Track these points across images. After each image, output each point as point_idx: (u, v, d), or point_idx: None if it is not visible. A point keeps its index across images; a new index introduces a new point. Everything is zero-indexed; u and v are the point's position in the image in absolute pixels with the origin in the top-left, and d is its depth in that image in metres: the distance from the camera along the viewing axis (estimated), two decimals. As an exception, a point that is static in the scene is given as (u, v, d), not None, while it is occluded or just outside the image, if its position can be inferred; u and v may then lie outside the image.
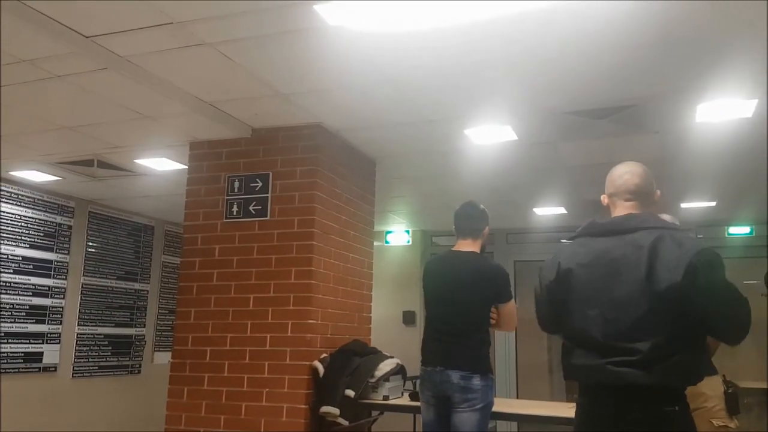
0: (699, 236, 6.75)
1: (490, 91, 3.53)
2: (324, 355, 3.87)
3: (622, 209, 2.10)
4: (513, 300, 3.18)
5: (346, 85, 3.44)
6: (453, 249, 3.28)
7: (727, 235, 6.86)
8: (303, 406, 3.71)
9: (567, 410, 3.36)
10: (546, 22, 2.74)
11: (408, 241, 7.62)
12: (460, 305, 3.09)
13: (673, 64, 3.15)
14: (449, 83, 3.40)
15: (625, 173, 2.11)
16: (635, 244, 1.94)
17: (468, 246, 3.21)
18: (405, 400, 3.96)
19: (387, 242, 7.72)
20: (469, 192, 5.82)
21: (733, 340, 1.94)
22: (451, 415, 3.02)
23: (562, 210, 6.54)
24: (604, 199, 2.17)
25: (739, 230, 6.82)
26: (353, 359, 3.89)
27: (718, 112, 3.73)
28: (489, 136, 4.26)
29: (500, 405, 4.50)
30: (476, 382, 2.97)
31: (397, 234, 7.72)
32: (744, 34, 2.82)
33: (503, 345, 7.52)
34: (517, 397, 7.18)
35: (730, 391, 2.97)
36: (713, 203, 6.02)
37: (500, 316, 3.15)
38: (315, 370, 3.78)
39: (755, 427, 7.18)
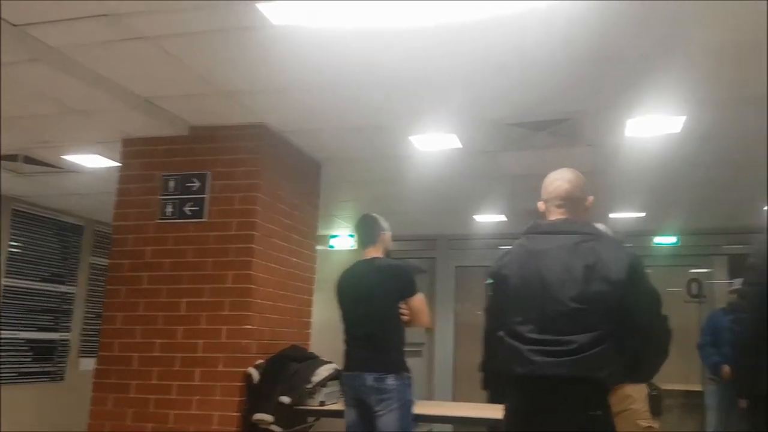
0: (627, 245, 7.03)
1: (435, 100, 3.56)
2: (260, 361, 3.80)
3: (554, 215, 2.18)
4: (420, 294, 3.28)
5: (290, 86, 3.39)
6: (361, 259, 3.43)
7: (653, 245, 7.18)
8: (235, 414, 3.62)
9: (496, 411, 3.41)
10: (490, 35, 2.79)
11: (352, 246, 7.57)
12: (367, 308, 3.23)
13: (606, 81, 3.27)
14: (395, 90, 3.40)
15: (557, 180, 2.20)
16: (574, 245, 2.03)
17: (371, 253, 3.37)
18: (342, 406, 3.92)
19: (331, 246, 7.66)
20: (414, 198, 5.90)
21: (654, 344, 2.01)
22: (373, 420, 3.11)
23: (502, 218, 6.68)
24: (541, 205, 2.24)
25: (665, 240, 7.15)
26: (290, 365, 3.82)
27: (648, 127, 3.90)
28: (434, 144, 4.30)
29: (435, 408, 4.56)
30: (390, 382, 3.07)
31: (342, 238, 7.67)
32: (673, 53, 2.95)
33: (441, 347, 7.60)
34: (453, 400, 7.26)
35: (653, 393, 3.09)
36: (642, 214, 6.29)
37: (411, 311, 3.23)
38: (249, 376, 3.71)
39: (676, 427, 7.56)
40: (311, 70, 3.16)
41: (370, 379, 3.09)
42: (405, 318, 3.22)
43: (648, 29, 2.74)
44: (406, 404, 3.13)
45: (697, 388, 6.86)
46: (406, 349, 5.37)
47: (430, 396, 7.33)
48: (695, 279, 6.98)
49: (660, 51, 2.93)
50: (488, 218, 6.74)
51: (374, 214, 3.51)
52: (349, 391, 3.25)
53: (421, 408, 4.13)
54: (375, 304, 3.22)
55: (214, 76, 3.29)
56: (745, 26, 2.68)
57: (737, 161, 4.60)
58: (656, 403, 3.12)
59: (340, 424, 5.90)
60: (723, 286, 6.53)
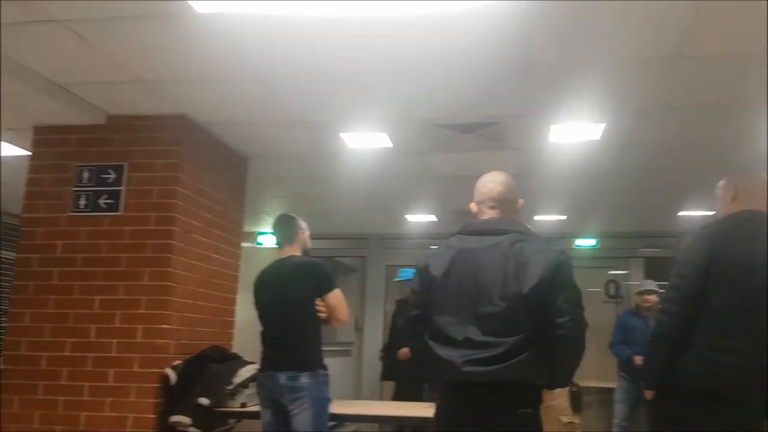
0: (552, 248, 7.27)
1: (366, 97, 3.55)
2: (177, 362, 3.68)
3: (487, 216, 2.24)
4: (337, 290, 3.22)
5: (215, 77, 3.29)
6: (278, 258, 3.38)
7: (574, 247, 7.45)
8: (151, 416, 3.50)
9: (424, 410, 3.44)
10: (419, 36, 2.80)
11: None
12: (282, 307, 3.18)
13: (530, 87, 3.36)
14: (325, 85, 3.37)
15: (490, 182, 2.26)
16: (503, 245, 2.08)
17: (288, 252, 3.33)
18: (263, 407, 3.85)
19: (259, 243, 7.51)
20: (345, 196, 5.88)
21: (573, 336, 2.02)
22: (288, 420, 3.06)
23: (432, 218, 6.75)
24: (474, 206, 2.29)
25: (586, 242, 7.44)
26: (210, 366, 3.73)
27: (570, 133, 4.03)
28: (365, 142, 4.28)
29: (361, 407, 4.56)
30: (303, 380, 3.02)
31: (270, 236, 7.51)
32: (593, 62, 3.06)
33: (371, 346, 7.60)
34: (380, 399, 7.28)
35: (574, 390, 3.19)
36: (564, 217, 6.52)
37: (328, 308, 3.18)
38: (166, 377, 3.59)
39: (594, 423, 7.87)
40: (237, 61, 3.07)
41: (282, 378, 3.04)
42: (322, 315, 3.17)
43: (569, 39, 2.82)
44: (321, 402, 3.08)
45: (612, 385, 7.16)
46: (336, 348, 5.34)
47: (358, 395, 7.32)
48: (613, 280, 7.29)
49: (581, 60, 3.03)
50: (419, 218, 6.80)
51: (291, 214, 3.47)
52: (263, 392, 3.18)
53: (348, 407, 4.14)
54: (289, 302, 3.17)
55: (133, 64, 3.16)
56: (663, 39, 2.81)
57: (653, 169, 4.83)
58: (576, 399, 3.22)
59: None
60: (638, 287, 6.86)
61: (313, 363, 3.09)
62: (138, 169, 3.75)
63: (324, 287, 3.19)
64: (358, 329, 7.84)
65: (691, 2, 2.50)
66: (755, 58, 2.94)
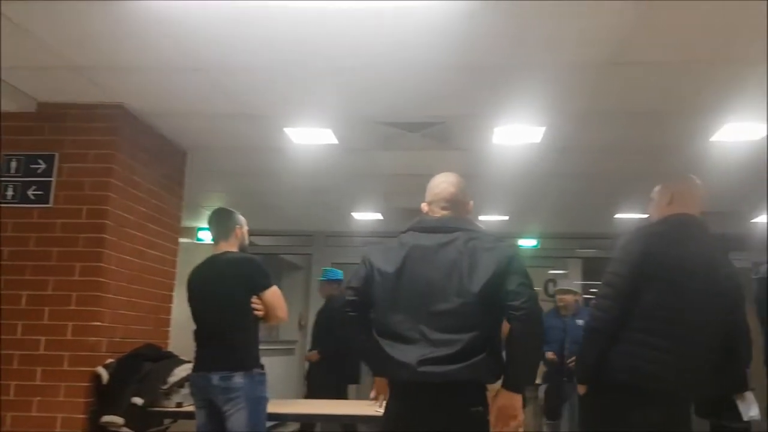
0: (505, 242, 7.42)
1: (310, 93, 3.51)
2: (110, 360, 3.57)
3: (438, 215, 2.23)
4: (274, 287, 3.11)
5: (154, 66, 3.19)
6: (213, 254, 3.24)
7: (517, 247, 7.62)
8: (81, 416, 3.39)
9: (367, 408, 3.42)
10: (366, 32, 2.79)
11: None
12: (216, 305, 3.07)
13: (474, 88, 3.41)
14: (269, 79, 3.32)
15: (442, 183, 2.27)
16: (457, 243, 2.08)
17: (224, 248, 3.20)
18: (200, 407, 3.76)
19: (199, 239, 7.35)
20: (290, 192, 5.81)
21: (530, 317, 1.99)
22: (223, 421, 2.97)
23: (378, 216, 6.76)
24: (425, 206, 2.29)
25: (527, 243, 7.61)
26: (144, 365, 3.63)
27: (511, 136, 4.12)
28: (309, 138, 4.24)
29: (301, 406, 4.52)
30: (237, 380, 2.93)
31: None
32: (534, 67, 3.13)
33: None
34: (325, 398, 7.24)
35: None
36: (506, 217, 6.65)
37: (265, 306, 3.07)
38: (98, 376, 3.49)
39: (529, 420, 8.08)
40: (178, 50, 2.99)
41: (215, 378, 2.93)
42: (258, 313, 3.06)
43: (511, 42, 2.88)
44: (257, 402, 2.98)
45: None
46: (278, 347, 5.24)
47: (300, 394, 7.26)
48: (552, 279, 7.49)
49: (522, 63, 3.10)
50: (365, 216, 6.80)
51: (229, 208, 3.35)
52: (196, 392, 3.08)
53: (290, 407, 4.10)
54: (222, 300, 3.05)
55: (66, 50, 3.02)
56: (601, 46, 2.89)
57: (591, 173, 4.99)
58: (523, 396, 3.24)
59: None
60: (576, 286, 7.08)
61: (247, 362, 2.99)
62: (69, 160, 3.61)
63: (260, 285, 3.08)
64: (302, 327, 7.77)
65: (629, 11, 2.59)
66: (689, 67, 3.09)
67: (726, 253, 2.44)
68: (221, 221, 3.27)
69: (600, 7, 2.56)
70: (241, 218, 3.31)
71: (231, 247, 3.20)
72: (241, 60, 3.09)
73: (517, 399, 2.03)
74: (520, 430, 2.19)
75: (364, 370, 5.33)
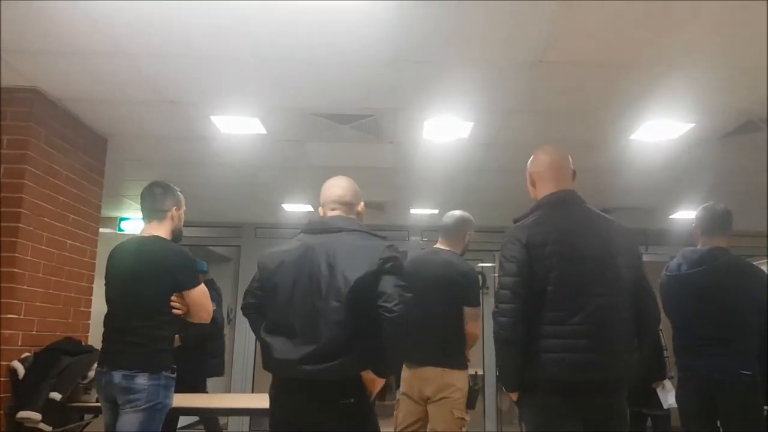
0: (424, 239, 7.56)
1: (237, 81, 3.47)
2: (26, 354, 3.43)
3: (329, 216, 2.39)
4: (200, 287, 2.82)
5: (71, 50, 3.07)
6: (139, 235, 2.91)
7: (447, 240, 7.76)
8: (-4, 413, 3.24)
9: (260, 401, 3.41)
10: (298, 22, 2.79)
11: (143, 230, 7.10)
12: (129, 296, 2.75)
13: (404, 82, 3.47)
14: (194, 66, 3.26)
15: (333, 186, 2.41)
16: (335, 241, 2.22)
17: (153, 230, 2.85)
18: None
19: (121, 230, 7.10)
20: (217, 183, 5.69)
21: (400, 319, 2.08)
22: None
23: (309, 208, 6.72)
24: (320, 210, 2.42)
25: (457, 236, 7.76)
26: (62, 359, 3.49)
27: (440, 130, 4.21)
28: (237, 127, 4.18)
29: (230, 401, 4.47)
30: (140, 381, 2.63)
31: (135, 221, 7.13)
32: (461, 63, 3.22)
33: (242, 339, 7.46)
34: (252, 392, 7.18)
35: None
36: (436, 211, 6.77)
37: (189, 306, 2.78)
38: (14, 371, 3.35)
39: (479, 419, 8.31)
40: (96, 34, 2.89)
41: (117, 376, 2.64)
42: (177, 312, 2.76)
43: (439, 38, 2.96)
44: (157, 406, 2.67)
45: (479, 371, 7.60)
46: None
47: (227, 389, 7.16)
48: (480, 272, 7.69)
49: (450, 59, 3.18)
50: (295, 207, 6.75)
51: (167, 183, 2.96)
52: (100, 390, 2.78)
53: (217, 401, 4.06)
54: (137, 292, 2.73)
55: (-23, 29, 2.85)
56: (527, 45, 3.01)
57: (516, 168, 5.11)
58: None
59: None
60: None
61: (155, 363, 2.68)
62: (-21, 146, 3.41)
63: (184, 283, 2.76)
64: (230, 321, 7.65)
65: (554, 12, 2.70)
66: (610, 67, 3.24)
67: (607, 217, 2.33)
68: (155, 199, 2.89)
69: (527, 7, 2.66)
70: (180, 197, 2.96)
71: (161, 230, 2.85)
72: (165, 46, 3.02)
73: (379, 382, 2.21)
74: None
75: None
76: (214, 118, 4.00)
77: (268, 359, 2.22)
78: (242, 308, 2.36)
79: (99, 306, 4.31)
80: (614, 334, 2.12)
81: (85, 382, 3.52)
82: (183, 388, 4.34)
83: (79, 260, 4.00)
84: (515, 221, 2.33)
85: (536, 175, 2.37)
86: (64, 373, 3.44)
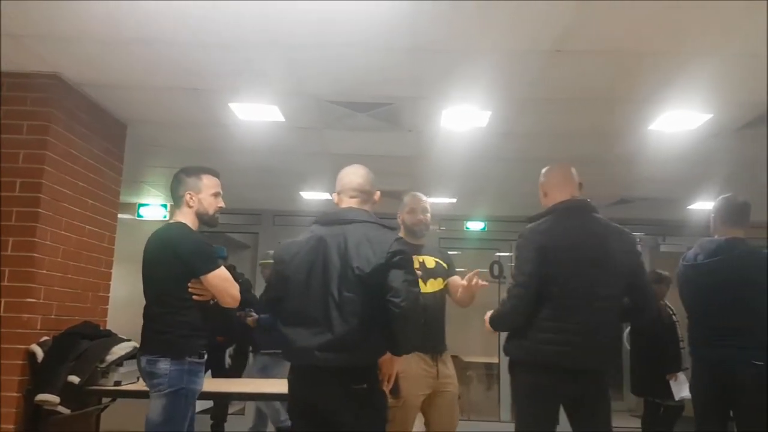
0: (442, 228, 7.53)
1: (255, 68, 3.45)
2: (45, 338, 3.47)
3: (346, 204, 2.44)
4: (217, 271, 2.73)
5: (93, 35, 3.07)
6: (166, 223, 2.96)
7: (465, 229, 7.74)
8: (15, 394, 3.30)
9: (279, 386, 3.42)
10: (315, 11, 2.77)
11: (165, 216, 7.14)
12: (152, 283, 2.79)
13: (423, 71, 3.43)
14: (213, 53, 3.25)
15: (350, 174, 2.45)
16: (348, 233, 2.26)
17: (177, 216, 2.88)
18: (141, 386, 3.69)
19: (140, 216, 7.16)
20: (236, 170, 5.68)
21: (407, 314, 2.19)
22: None
23: (327, 195, 6.72)
24: (335, 197, 2.45)
25: (475, 225, 7.75)
26: (81, 343, 3.54)
27: (458, 119, 4.16)
28: (255, 114, 4.17)
29: (233, 385, 4.47)
30: (163, 365, 2.65)
31: (153, 208, 7.19)
32: (479, 52, 3.17)
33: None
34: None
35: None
36: (454, 200, 6.74)
37: (211, 290, 2.74)
38: (33, 354, 3.39)
39: (474, 393, 8.34)
40: (118, 20, 2.89)
41: (143, 361, 2.72)
42: (198, 298, 2.73)
43: (457, 26, 2.91)
44: (181, 392, 2.67)
45: (494, 360, 7.61)
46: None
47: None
48: (497, 261, 7.66)
49: (468, 48, 3.13)
50: (314, 195, 6.75)
51: (184, 168, 2.95)
52: (140, 375, 2.86)
53: (225, 386, 4.07)
54: (156, 279, 2.77)
55: (1, 17, 2.86)
56: (544, 34, 2.95)
57: (534, 158, 5.04)
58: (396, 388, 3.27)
59: (138, 405, 5.53)
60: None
61: (179, 349, 2.68)
62: (3, 131, 3.43)
63: (198, 269, 2.71)
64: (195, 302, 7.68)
65: (572, 1, 2.64)
66: (629, 56, 3.18)
67: (610, 224, 2.61)
68: (172, 186, 2.91)
69: (545, -5, 2.61)
70: (192, 181, 2.87)
71: (183, 216, 2.83)
72: (184, 33, 3.01)
73: (396, 360, 2.36)
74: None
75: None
76: (233, 105, 4.00)
77: (286, 349, 2.33)
78: (265, 303, 2.46)
79: (118, 291, 4.38)
80: (605, 332, 2.47)
81: (104, 365, 3.54)
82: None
83: (98, 245, 4.05)
84: (530, 220, 2.61)
85: (548, 186, 2.68)
86: (82, 357, 3.48)
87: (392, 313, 2.16)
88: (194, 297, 2.73)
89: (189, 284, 2.73)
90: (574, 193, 2.63)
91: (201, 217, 2.86)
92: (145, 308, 2.81)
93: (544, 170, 2.75)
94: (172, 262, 2.71)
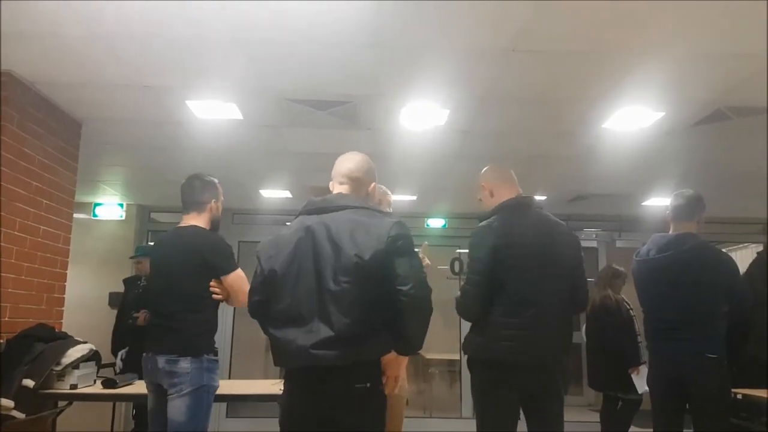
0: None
1: (212, 65, 3.43)
2: (-2, 341, 3.37)
3: (336, 191, 2.24)
4: (237, 271, 2.90)
5: (45, 32, 3.01)
6: (177, 225, 3.04)
7: (426, 227, 7.83)
8: (-33, 401, 3.18)
9: (271, 387, 3.47)
10: (273, 7, 2.77)
11: (121, 216, 7.00)
12: (171, 283, 2.88)
13: (382, 68, 3.46)
14: (168, 48, 3.21)
15: (344, 160, 2.29)
16: (339, 220, 2.06)
17: (192, 220, 2.98)
18: (98, 389, 3.64)
19: (95, 215, 6.99)
20: (193, 168, 5.53)
21: (417, 302, 2.01)
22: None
23: (287, 194, 6.71)
24: (331, 185, 2.29)
25: (436, 222, 7.84)
26: (35, 345, 3.46)
27: (417, 117, 4.22)
28: (213, 112, 4.14)
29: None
30: (184, 365, 2.75)
31: (108, 207, 7.03)
32: (437, 49, 3.22)
33: (220, 324, 7.42)
34: (229, 378, 7.18)
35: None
36: (414, 197, 6.81)
37: (228, 290, 2.89)
38: (-15, 358, 3.30)
39: (436, 390, 8.44)
40: (70, 17, 2.84)
41: (161, 361, 2.76)
42: (217, 297, 2.87)
43: (418, 25, 2.96)
44: (203, 389, 2.78)
45: (456, 357, 7.71)
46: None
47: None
48: (457, 258, 7.77)
49: (426, 45, 3.18)
50: (274, 194, 6.72)
51: (208, 178, 3.08)
52: (146, 375, 2.89)
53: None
54: (176, 278, 2.85)
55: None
56: (501, 33, 3.03)
57: (492, 156, 5.17)
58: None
59: (95, 408, 5.49)
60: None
61: (197, 347, 2.79)
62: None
63: (221, 268, 2.86)
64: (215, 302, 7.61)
65: (527, 1, 2.72)
66: (582, 56, 3.28)
67: (555, 219, 2.73)
68: (195, 190, 3.02)
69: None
70: (218, 189, 3.07)
71: (200, 221, 2.97)
72: (140, 28, 2.98)
73: (403, 360, 2.19)
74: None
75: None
76: (190, 103, 3.96)
77: (279, 353, 2.08)
78: (250, 309, 2.19)
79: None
80: (554, 324, 2.56)
81: (59, 368, 3.47)
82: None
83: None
84: (480, 220, 2.70)
85: (494, 185, 2.77)
86: (37, 360, 3.41)
87: (401, 303, 1.96)
88: (213, 296, 2.86)
89: (210, 283, 2.86)
90: (519, 190, 2.75)
91: (214, 221, 3.03)
92: (160, 308, 2.88)
93: (484, 170, 2.83)
94: (196, 262, 2.84)
